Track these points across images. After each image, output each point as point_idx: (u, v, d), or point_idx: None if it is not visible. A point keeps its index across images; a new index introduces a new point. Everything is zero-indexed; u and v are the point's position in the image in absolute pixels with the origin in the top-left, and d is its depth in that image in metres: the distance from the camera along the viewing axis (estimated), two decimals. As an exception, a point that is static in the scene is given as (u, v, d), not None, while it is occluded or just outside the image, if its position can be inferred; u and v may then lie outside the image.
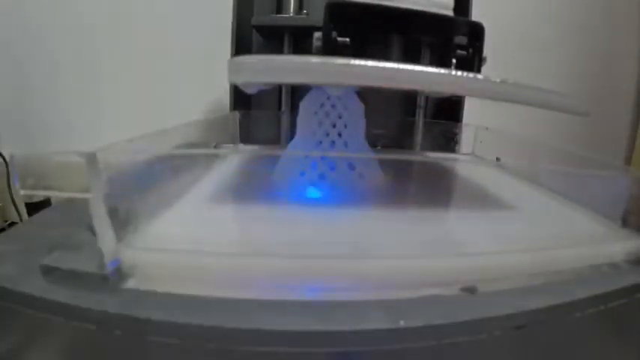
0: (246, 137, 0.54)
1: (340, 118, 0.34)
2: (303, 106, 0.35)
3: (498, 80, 0.22)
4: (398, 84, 0.22)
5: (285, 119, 0.58)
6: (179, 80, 0.76)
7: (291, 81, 0.26)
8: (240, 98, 0.58)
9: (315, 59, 0.22)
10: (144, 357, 0.16)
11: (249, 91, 0.27)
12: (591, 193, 0.30)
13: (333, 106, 0.34)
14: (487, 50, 0.44)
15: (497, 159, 0.50)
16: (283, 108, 0.61)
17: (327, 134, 0.34)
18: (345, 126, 0.34)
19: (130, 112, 0.76)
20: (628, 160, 0.85)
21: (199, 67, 0.74)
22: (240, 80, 0.25)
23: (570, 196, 0.33)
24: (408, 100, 0.63)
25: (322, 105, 0.34)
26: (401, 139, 0.59)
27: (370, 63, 0.21)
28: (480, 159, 0.54)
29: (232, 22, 0.56)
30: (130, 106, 0.77)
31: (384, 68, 0.21)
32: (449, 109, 0.61)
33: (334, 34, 0.42)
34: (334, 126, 0.34)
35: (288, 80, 0.25)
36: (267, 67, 0.23)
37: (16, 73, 0.75)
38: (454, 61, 0.48)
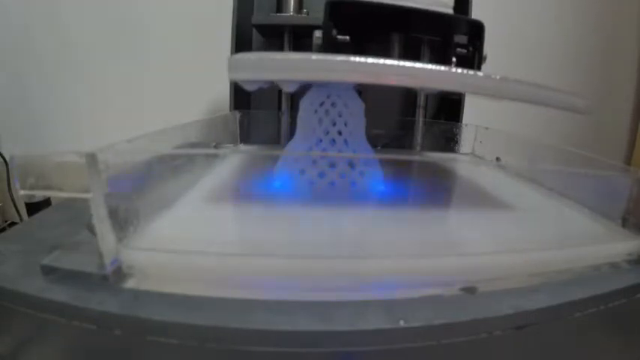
0: (246, 137, 0.54)
1: (340, 116, 0.34)
2: (303, 104, 0.35)
3: (498, 77, 0.22)
4: (397, 81, 0.22)
5: (284, 119, 0.58)
6: (179, 80, 0.76)
7: (290, 78, 0.25)
8: (240, 98, 0.58)
9: (314, 56, 0.22)
10: (144, 357, 0.16)
11: (249, 88, 0.27)
12: (591, 193, 0.30)
13: (333, 104, 0.34)
14: (487, 48, 0.44)
15: (498, 159, 0.50)
16: (283, 108, 0.61)
17: (327, 132, 0.34)
18: (345, 124, 0.34)
19: (130, 112, 0.76)
20: (628, 160, 0.85)
21: (199, 67, 0.74)
22: (240, 77, 0.25)
23: (570, 196, 0.33)
24: (408, 99, 0.63)
25: (322, 103, 0.34)
26: (401, 139, 0.59)
27: (370, 60, 0.21)
28: (480, 159, 0.54)
29: (232, 21, 0.55)
30: (130, 106, 0.77)
31: (383, 65, 0.21)
32: (449, 109, 0.61)
33: (334, 32, 0.42)
34: (334, 124, 0.34)
35: (287, 77, 0.25)
36: (267, 64, 0.23)
37: (17, 73, 0.75)
38: (454, 59, 0.48)
